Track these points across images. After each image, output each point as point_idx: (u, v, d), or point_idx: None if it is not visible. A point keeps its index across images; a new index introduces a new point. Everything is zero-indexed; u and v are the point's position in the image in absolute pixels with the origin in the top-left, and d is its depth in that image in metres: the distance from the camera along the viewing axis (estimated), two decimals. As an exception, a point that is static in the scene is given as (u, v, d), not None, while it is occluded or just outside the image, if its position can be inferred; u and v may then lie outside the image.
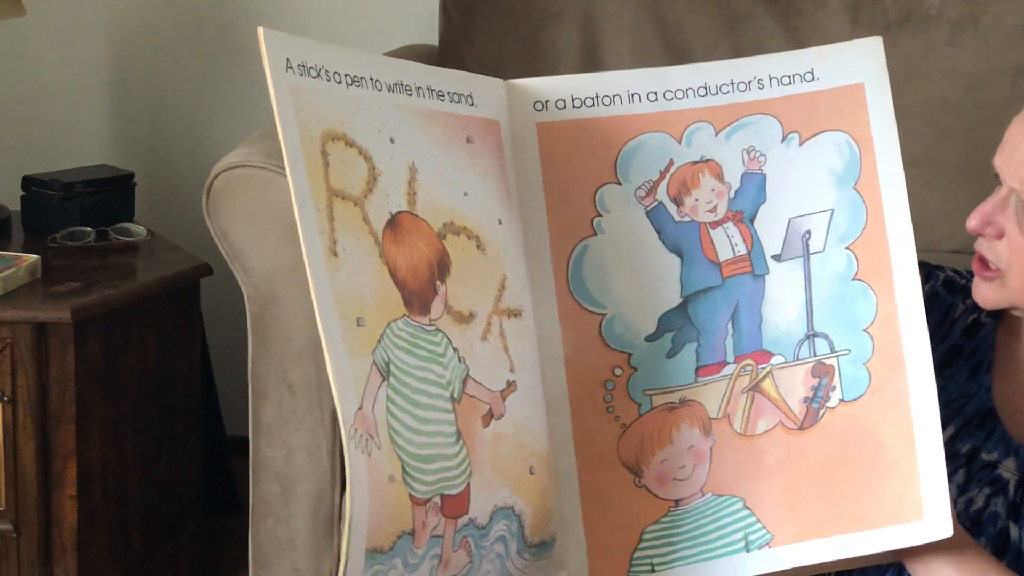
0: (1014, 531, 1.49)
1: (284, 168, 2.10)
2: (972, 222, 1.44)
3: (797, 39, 2.72)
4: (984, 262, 1.46)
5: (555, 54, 2.78)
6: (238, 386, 2.31)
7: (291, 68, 1.24)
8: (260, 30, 1.16)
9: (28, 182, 2.59)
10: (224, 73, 3.07)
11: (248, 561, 2.25)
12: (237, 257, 2.12)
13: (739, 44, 2.74)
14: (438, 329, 1.28)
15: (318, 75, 1.25)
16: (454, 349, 1.29)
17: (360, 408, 1.20)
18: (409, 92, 1.32)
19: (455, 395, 1.28)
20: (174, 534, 2.53)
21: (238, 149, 2.14)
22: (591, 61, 2.76)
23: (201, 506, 2.63)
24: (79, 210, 2.53)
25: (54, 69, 3.09)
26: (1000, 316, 1.57)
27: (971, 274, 1.54)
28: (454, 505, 1.28)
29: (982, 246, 1.46)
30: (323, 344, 1.18)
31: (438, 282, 1.29)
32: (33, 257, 2.30)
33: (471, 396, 1.30)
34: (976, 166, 1.50)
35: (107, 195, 2.59)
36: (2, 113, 3.05)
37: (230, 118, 3.06)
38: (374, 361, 1.22)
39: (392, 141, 1.29)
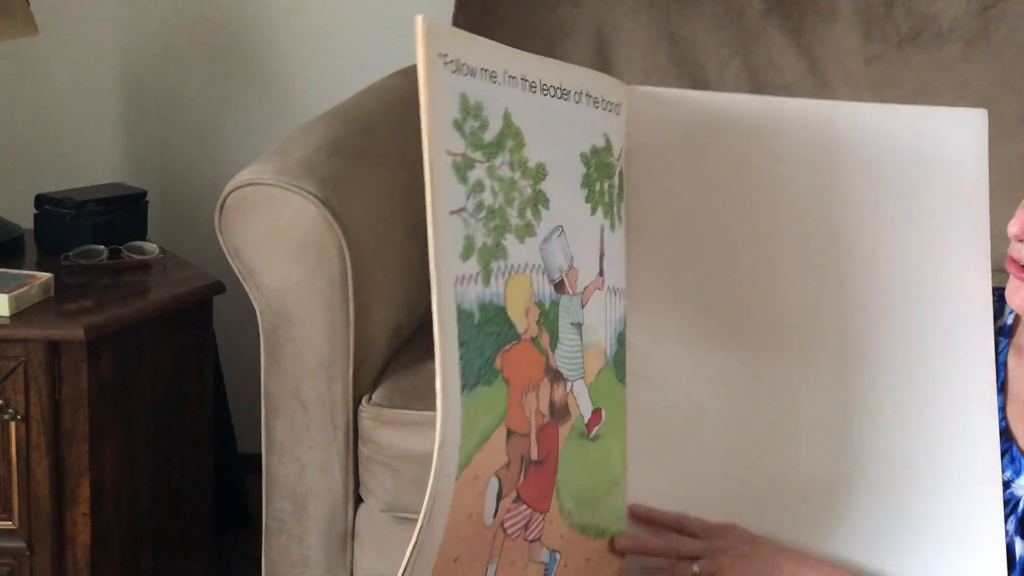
0: (1020, 546, 1.49)
1: (297, 185, 2.10)
2: (1014, 228, 1.43)
3: (809, 56, 2.72)
4: (1019, 265, 1.45)
5: (567, 71, 2.78)
6: (251, 404, 2.31)
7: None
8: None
9: (41, 200, 2.59)
10: (237, 92, 3.08)
11: (261, 578, 2.25)
12: (250, 275, 2.13)
13: (751, 61, 2.74)
14: None
15: None
16: None
17: None
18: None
19: None
20: (186, 551, 2.53)
21: (250, 167, 2.15)
22: (603, 78, 2.76)
23: (213, 524, 2.63)
24: (92, 228, 2.53)
25: (67, 88, 3.10)
26: (1011, 335, 1.57)
27: None
28: None
29: (1020, 252, 1.44)
30: None
31: None
32: (46, 275, 2.31)
33: None
34: (992, 182, 1.49)
35: (120, 213, 2.60)
36: (16, 131, 3.06)
37: (243, 136, 3.06)
38: None
39: None
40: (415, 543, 1.21)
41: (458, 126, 1.23)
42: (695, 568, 1.48)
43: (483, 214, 1.25)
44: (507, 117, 1.28)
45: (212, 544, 2.62)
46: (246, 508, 2.93)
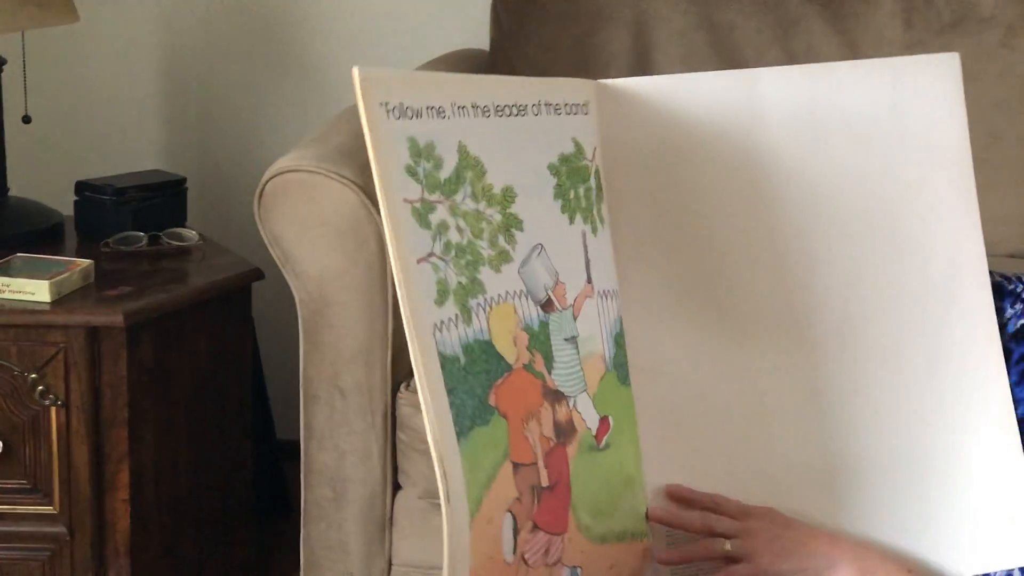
0: None
1: (336, 172, 2.10)
2: None
3: (849, 42, 2.71)
4: None
5: (606, 58, 2.78)
6: (289, 390, 2.31)
7: None
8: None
9: (81, 187, 2.60)
10: (276, 78, 3.08)
11: (300, 565, 2.25)
12: (289, 261, 2.13)
13: (790, 47, 2.73)
14: None
15: None
16: None
17: None
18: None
19: None
20: (225, 537, 2.54)
21: (290, 153, 2.15)
22: (642, 65, 2.75)
23: (252, 510, 2.64)
24: (132, 215, 2.54)
25: (107, 75, 3.11)
26: None
27: (1019, 278, 1.53)
28: None
29: None
30: None
31: None
32: (86, 262, 2.32)
33: None
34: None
35: (159, 200, 2.60)
36: (56, 119, 3.07)
37: (282, 123, 3.07)
38: None
39: None
40: None
41: (411, 172, 1.22)
42: (727, 546, 1.48)
43: (452, 253, 1.25)
44: (463, 149, 1.28)
45: (251, 530, 2.63)
46: (285, 495, 2.94)
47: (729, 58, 2.73)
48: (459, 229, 1.25)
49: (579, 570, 1.38)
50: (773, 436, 1.53)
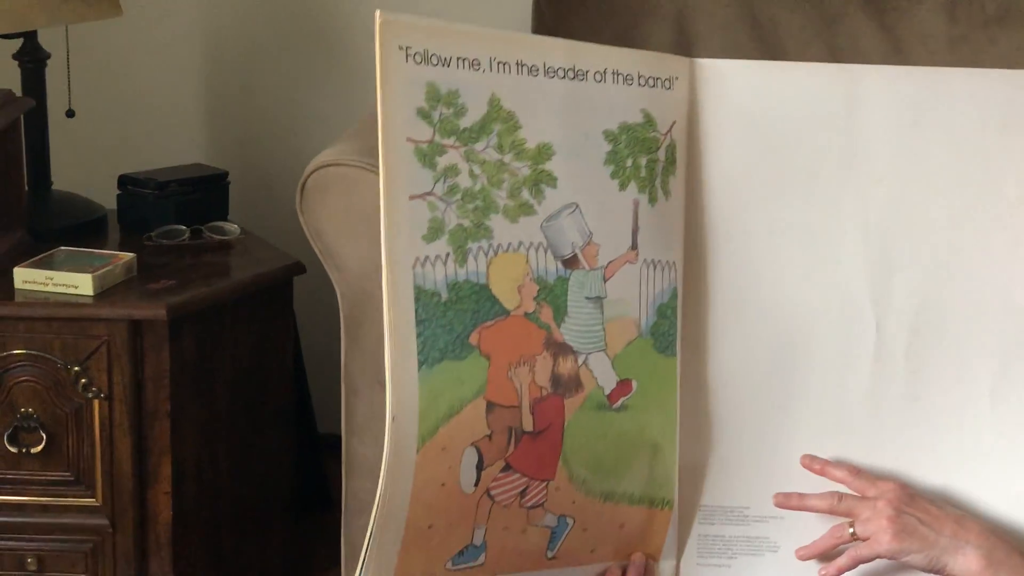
0: None
1: (378, 166, 2.10)
2: None
3: (893, 37, 2.69)
4: None
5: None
6: (331, 384, 2.32)
7: None
8: None
9: (124, 181, 2.61)
10: (317, 71, 3.09)
11: (340, 558, 2.25)
12: (330, 255, 2.13)
13: (833, 42, 2.72)
14: None
15: None
16: None
17: None
18: None
19: None
20: (266, 530, 2.55)
21: (331, 148, 2.15)
22: (684, 59, 2.74)
23: (293, 503, 2.65)
24: (174, 208, 2.55)
25: (150, 69, 3.12)
26: None
27: None
28: None
29: None
30: None
31: None
32: (129, 255, 2.33)
33: None
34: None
35: (201, 194, 2.61)
36: (99, 113, 3.08)
37: (323, 116, 3.07)
38: None
39: None
40: (376, 513, 1.26)
41: (424, 114, 1.30)
42: (851, 529, 1.48)
43: (458, 196, 1.32)
44: (494, 102, 1.33)
45: (292, 523, 2.64)
46: (326, 488, 2.95)
47: (771, 53, 2.72)
48: (473, 175, 1.32)
49: (570, 520, 1.42)
50: (825, 437, 1.53)
